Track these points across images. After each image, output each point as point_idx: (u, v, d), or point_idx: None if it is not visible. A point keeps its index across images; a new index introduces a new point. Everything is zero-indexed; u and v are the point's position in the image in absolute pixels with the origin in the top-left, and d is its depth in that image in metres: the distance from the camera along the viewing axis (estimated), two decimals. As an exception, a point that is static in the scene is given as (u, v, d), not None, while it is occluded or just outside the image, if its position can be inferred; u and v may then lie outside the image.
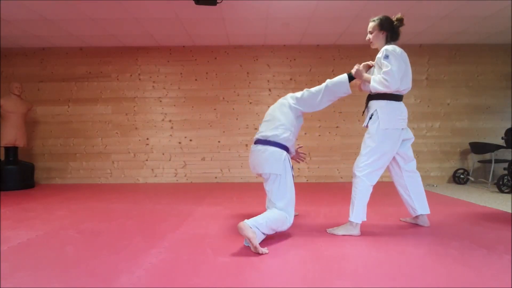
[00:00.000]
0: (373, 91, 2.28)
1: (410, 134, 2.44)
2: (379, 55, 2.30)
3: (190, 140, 5.51)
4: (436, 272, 1.61)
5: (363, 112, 2.47)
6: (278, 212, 2.13)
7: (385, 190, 4.48)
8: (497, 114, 5.47)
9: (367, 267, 1.68)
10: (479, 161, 5.21)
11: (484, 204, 3.49)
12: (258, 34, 5.00)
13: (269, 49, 5.49)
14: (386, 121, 2.23)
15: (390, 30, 2.36)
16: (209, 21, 4.44)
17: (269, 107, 2.64)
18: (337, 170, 5.46)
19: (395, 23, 2.37)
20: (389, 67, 2.17)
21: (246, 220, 1.90)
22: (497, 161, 4.86)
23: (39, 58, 5.48)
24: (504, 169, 4.69)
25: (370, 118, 2.30)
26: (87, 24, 4.50)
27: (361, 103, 5.44)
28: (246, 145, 5.37)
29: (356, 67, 2.36)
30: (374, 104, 2.31)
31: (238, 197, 3.94)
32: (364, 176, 2.25)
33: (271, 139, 2.27)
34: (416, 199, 2.48)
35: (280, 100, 2.50)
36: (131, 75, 5.52)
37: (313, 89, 2.37)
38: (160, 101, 5.52)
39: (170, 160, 5.51)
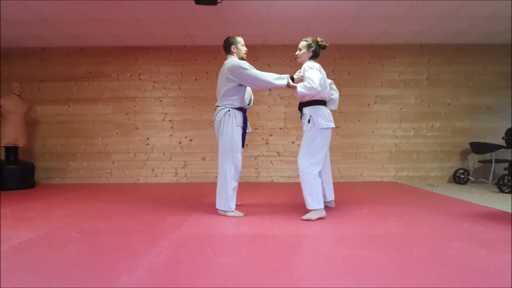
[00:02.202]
0: (299, 94, 2.82)
1: None
2: (302, 70, 2.88)
3: (191, 140, 5.52)
4: (436, 272, 1.61)
5: (300, 117, 2.98)
6: (219, 177, 2.98)
7: (385, 190, 4.48)
8: (497, 114, 5.46)
9: (367, 267, 1.68)
10: (479, 161, 5.21)
11: (484, 204, 3.49)
12: (258, 34, 5.00)
13: (269, 49, 5.50)
14: (320, 121, 2.77)
15: (314, 51, 2.93)
16: (209, 21, 4.44)
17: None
18: (337, 170, 5.46)
19: (320, 46, 2.94)
20: (309, 77, 2.73)
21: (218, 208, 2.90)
22: (498, 161, 4.85)
23: (39, 58, 5.48)
24: (505, 169, 4.68)
25: (308, 121, 2.82)
26: (87, 24, 4.51)
27: (361, 103, 5.50)
28: (247, 145, 5.37)
29: (298, 74, 2.90)
30: (307, 110, 2.85)
31: (238, 196, 3.94)
32: (311, 170, 2.72)
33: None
34: (327, 189, 3.12)
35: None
36: (131, 75, 5.52)
37: (256, 72, 2.84)
38: (161, 101, 5.52)
39: (170, 160, 5.51)
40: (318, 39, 2.94)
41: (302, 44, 2.96)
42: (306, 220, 2.70)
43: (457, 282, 1.49)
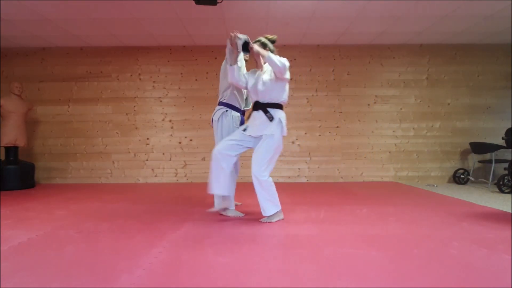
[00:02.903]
0: (269, 61, 2.51)
1: None
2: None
3: (191, 140, 5.52)
4: (436, 272, 1.61)
5: (272, 117, 2.66)
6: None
7: (385, 190, 4.48)
8: (497, 114, 5.46)
9: (367, 267, 1.68)
10: (479, 161, 5.21)
11: (484, 204, 3.49)
12: (258, 34, 4.92)
13: (269, 49, 5.49)
14: (285, 129, 2.67)
15: (270, 48, 2.76)
16: (209, 21, 4.44)
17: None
18: (337, 170, 5.46)
19: (271, 41, 2.80)
20: (281, 58, 2.53)
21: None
22: (498, 161, 4.85)
23: (39, 58, 5.49)
24: (505, 169, 4.68)
25: (271, 120, 2.59)
26: (87, 24, 4.51)
27: (361, 103, 5.49)
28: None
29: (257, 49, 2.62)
30: (276, 112, 2.62)
31: (238, 196, 3.94)
32: (269, 177, 2.61)
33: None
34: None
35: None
36: (131, 75, 5.52)
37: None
38: (161, 101, 5.52)
39: (170, 160, 5.51)
40: (266, 35, 2.80)
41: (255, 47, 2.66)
42: (265, 222, 2.63)
43: (457, 282, 1.49)
